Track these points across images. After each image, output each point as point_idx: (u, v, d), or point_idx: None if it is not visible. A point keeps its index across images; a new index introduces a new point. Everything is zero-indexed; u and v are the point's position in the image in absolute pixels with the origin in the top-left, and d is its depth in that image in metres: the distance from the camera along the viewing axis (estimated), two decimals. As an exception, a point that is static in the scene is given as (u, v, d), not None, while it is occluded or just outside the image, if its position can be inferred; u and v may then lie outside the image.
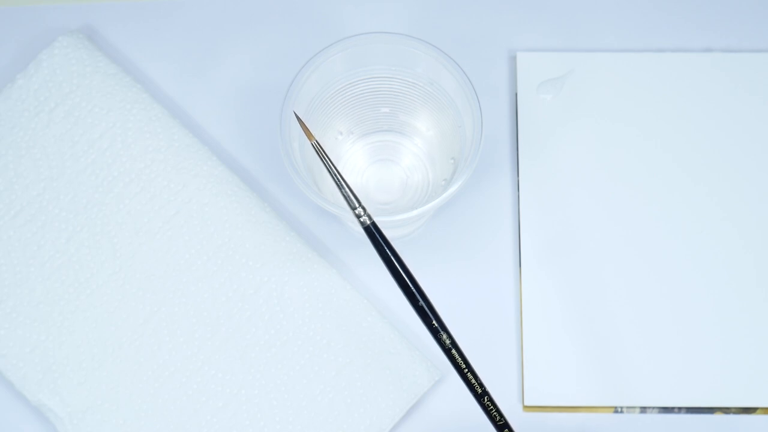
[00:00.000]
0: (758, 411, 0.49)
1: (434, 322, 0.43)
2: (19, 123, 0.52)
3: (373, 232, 0.43)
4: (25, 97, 0.52)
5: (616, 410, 0.50)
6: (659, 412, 0.49)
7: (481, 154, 0.44)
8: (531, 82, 0.54)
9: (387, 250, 0.43)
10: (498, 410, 0.44)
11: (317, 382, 0.49)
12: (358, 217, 0.43)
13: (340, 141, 0.50)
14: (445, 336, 0.43)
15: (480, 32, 0.55)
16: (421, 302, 0.43)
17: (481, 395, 0.44)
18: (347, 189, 0.43)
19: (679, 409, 0.49)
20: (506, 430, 0.44)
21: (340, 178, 0.43)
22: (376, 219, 0.44)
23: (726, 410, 0.49)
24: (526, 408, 0.50)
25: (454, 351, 0.43)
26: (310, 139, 0.44)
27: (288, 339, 0.50)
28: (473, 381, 0.43)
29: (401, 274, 0.43)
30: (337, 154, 0.50)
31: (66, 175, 0.52)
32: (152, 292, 0.50)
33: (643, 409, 0.50)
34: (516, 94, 0.54)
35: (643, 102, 0.53)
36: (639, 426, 0.49)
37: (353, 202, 0.43)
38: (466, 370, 0.43)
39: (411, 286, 0.43)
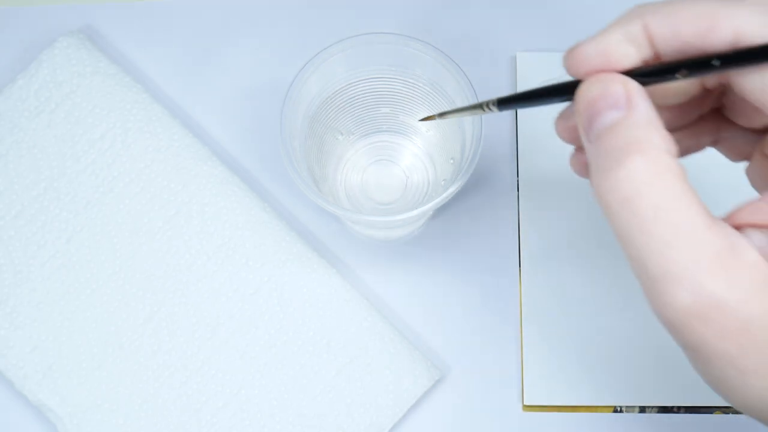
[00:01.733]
0: (758, 411, 0.49)
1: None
2: (20, 123, 0.52)
3: (507, 100, 0.38)
4: (25, 98, 0.52)
5: (616, 410, 0.50)
6: (659, 412, 0.50)
7: (481, 154, 0.44)
8: (531, 82, 0.54)
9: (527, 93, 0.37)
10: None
11: (317, 382, 0.49)
12: (487, 106, 0.38)
13: (340, 141, 0.50)
14: None
15: (480, 32, 0.55)
16: None
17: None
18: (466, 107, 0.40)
19: (679, 409, 0.50)
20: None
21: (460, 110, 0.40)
22: (375, 219, 0.44)
23: (726, 410, 0.49)
24: (526, 408, 0.50)
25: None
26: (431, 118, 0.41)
27: (288, 339, 0.50)
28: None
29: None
30: (337, 154, 0.50)
31: (66, 175, 0.52)
32: (152, 292, 0.50)
33: (643, 409, 0.50)
34: (516, 95, 0.54)
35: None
36: (639, 426, 0.49)
37: (479, 102, 0.39)
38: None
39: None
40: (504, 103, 0.38)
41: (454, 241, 0.52)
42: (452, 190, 0.44)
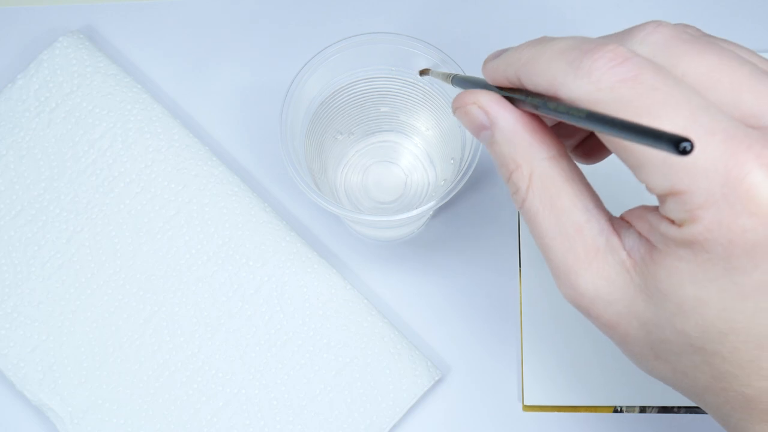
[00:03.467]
0: (758, 411, 0.49)
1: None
2: (20, 123, 0.52)
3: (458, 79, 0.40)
4: (25, 98, 0.52)
5: (616, 410, 0.50)
6: (659, 412, 0.50)
7: (481, 154, 0.44)
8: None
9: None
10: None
11: (317, 382, 0.49)
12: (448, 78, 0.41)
13: (340, 141, 0.50)
14: None
15: (480, 32, 0.55)
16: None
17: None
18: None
19: (679, 409, 0.50)
20: None
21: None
22: (375, 219, 0.44)
23: (726, 410, 0.49)
24: (526, 408, 0.50)
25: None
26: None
27: (288, 339, 0.50)
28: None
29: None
30: (337, 154, 0.50)
31: (66, 176, 0.52)
32: (152, 292, 0.50)
33: (643, 409, 0.50)
34: (516, 94, 0.54)
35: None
36: (639, 426, 0.49)
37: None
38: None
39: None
40: (455, 81, 0.41)
41: (454, 241, 0.52)
42: (452, 190, 0.44)
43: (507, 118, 0.34)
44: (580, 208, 0.33)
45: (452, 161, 0.48)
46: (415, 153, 0.51)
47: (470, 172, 0.44)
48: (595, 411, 0.50)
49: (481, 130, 0.35)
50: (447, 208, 0.53)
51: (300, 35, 0.55)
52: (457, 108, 0.36)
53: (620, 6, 0.55)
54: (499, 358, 0.51)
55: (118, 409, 0.49)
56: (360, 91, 0.49)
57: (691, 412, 0.49)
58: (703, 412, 0.49)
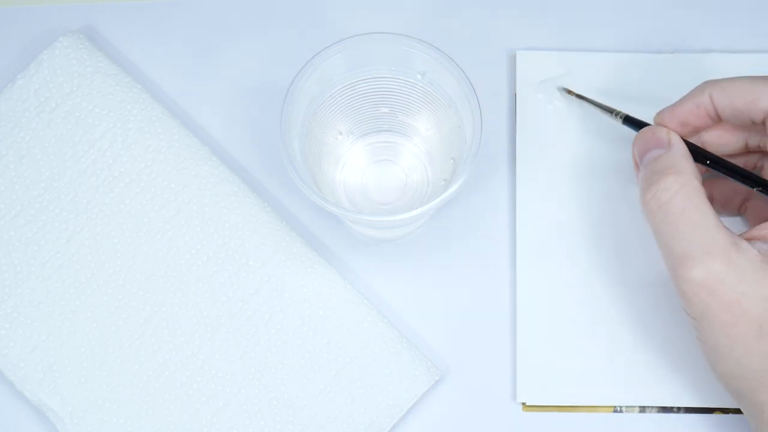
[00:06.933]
0: (758, 411, 0.49)
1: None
2: (20, 123, 0.52)
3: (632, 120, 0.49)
4: (25, 98, 0.53)
5: (616, 410, 0.50)
6: (659, 412, 0.50)
7: (480, 154, 0.44)
8: (530, 82, 0.54)
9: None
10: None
11: (317, 382, 0.49)
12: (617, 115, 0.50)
13: (340, 141, 0.50)
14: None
15: (479, 32, 0.55)
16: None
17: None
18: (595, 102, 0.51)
19: (679, 409, 0.50)
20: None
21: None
22: (375, 218, 0.44)
23: (725, 410, 0.49)
24: (526, 408, 0.50)
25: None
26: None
27: (288, 339, 0.50)
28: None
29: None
30: (337, 154, 0.50)
31: (67, 176, 0.52)
32: (152, 292, 0.50)
33: (643, 409, 0.50)
34: (515, 94, 0.54)
35: (642, 102, 0.53)
36: (638, 426, 0.49)
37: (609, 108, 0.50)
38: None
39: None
40: (628, 121, 0.49)
41: (453, 241, 0.52)
42: (452, 190, 0.44)
43: (681, 144, 0.45)
44: (716, 217, 0.42)
45: (452, 161, 0.48)
46: (414, 153, 0.51)
47: (469, 172, 0.44)
48: (595, 411, 0.50)
49: (657, 146, 0.45)
50: (446, 208, 0.53)
51: (300, 35, 0.55)
52: (648, 128, 0.46)
53: (622, 8, 0.55)
54: (499, 357, 0.51)
55: (118, 409, 0.49)
56: (360, 91, 0.49)
57: (690, 413, 0.49)
58: (703, 412, 0.49)
